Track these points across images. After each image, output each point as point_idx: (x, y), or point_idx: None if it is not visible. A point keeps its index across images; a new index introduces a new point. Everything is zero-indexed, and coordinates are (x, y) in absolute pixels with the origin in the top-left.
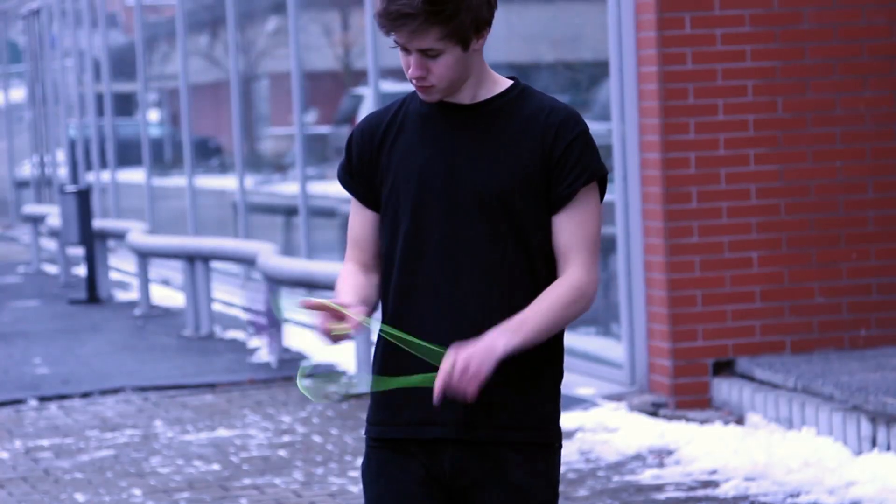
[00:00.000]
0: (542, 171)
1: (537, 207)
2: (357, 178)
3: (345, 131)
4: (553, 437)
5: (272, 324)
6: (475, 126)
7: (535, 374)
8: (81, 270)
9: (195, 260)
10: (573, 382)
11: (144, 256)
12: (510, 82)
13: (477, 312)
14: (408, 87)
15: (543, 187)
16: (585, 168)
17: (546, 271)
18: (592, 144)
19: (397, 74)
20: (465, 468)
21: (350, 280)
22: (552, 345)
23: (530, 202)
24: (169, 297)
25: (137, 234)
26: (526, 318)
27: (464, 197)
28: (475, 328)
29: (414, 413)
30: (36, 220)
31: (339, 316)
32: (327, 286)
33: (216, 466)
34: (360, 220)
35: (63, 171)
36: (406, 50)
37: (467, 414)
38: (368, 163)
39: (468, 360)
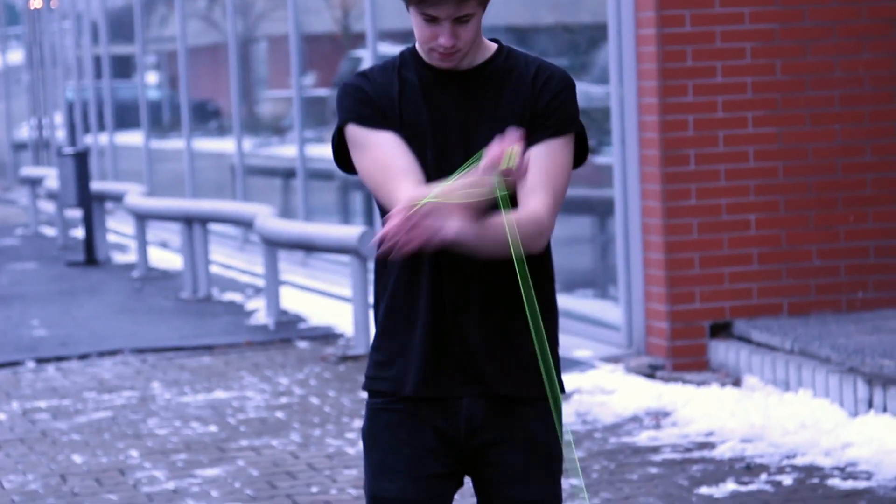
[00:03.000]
0: (527, 123)
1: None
2: (375, 112)
3: None
4: (562, 389)
5: None
6: (473, 91)
7: (551, 326)
8: (79, 233)
9: (193, 222)
10: (571, 344)
11: (142, 219)
12: (495, 45)
13: (484, 271)
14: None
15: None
16: (560, 120)
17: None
18: (573, 101)
19: (396, 37)
20: (481, 427)
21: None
22: (550, 299)
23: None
24: (167, 259)
25: (135, 196)
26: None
27: (470, 156)
28: (483, 286)
29: (438, 372)
30: (34, 183)
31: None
32: (325, 248)
33: (213, 428)
34: (391, 147)
35: (61, 134)
36: (432, 20)
37: (495, 371)
38: (387, 108)
39: (428, 215)
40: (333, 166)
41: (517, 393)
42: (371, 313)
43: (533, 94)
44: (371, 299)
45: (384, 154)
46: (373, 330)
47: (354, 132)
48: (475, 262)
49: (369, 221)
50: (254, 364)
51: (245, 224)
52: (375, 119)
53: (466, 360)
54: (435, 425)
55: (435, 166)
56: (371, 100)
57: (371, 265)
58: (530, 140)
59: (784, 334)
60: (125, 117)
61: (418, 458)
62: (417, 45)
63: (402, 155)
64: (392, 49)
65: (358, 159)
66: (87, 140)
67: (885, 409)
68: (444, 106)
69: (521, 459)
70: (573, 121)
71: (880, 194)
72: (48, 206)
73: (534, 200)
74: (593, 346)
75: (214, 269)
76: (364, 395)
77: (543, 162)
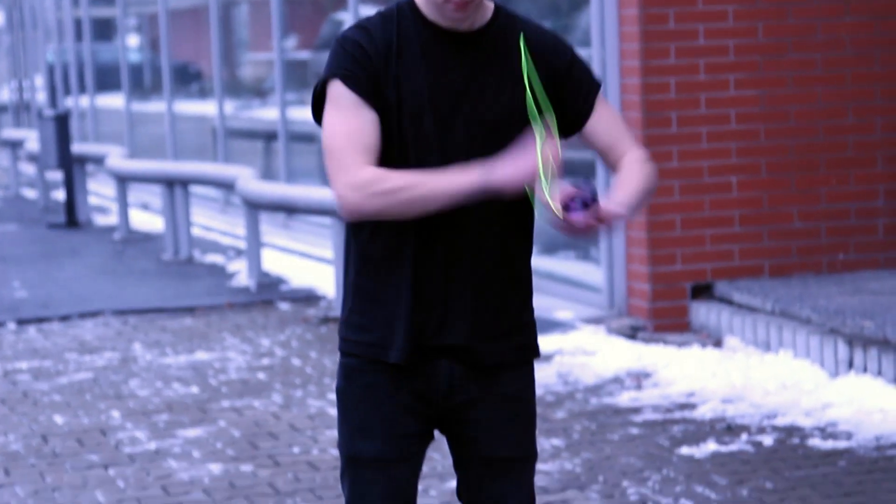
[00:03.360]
0: (551, 91)
1: None
2: (366, 84)
3: (324, 57)
4: (538, 353)
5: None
6: (476, 53)
7: (526, 291)
8: (60, 195)
9: (174, 184)
10: (552, 306)
11: (123, 181)
12: (492, 6)
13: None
14: None
15: (558, 104)
16: (591, 80)
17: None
18: (584, 59)
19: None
20: (461, 387)
21: (412, 173)
22: (525, 258)
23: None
24: (148, 221)
25: (116, 158)
26: (628, 190)
27: (470, 124)
28: (471, 254)
29: (417, 337)
30: (14, 145)
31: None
32: (306, 210)
33: (195, 389)
34: (371, 124)
35: (42, 96)
36: None
37: (470, 338)
38: (376, 74)
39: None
40: (315, 128)
41: (500, 360)
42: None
43: (546, 58)
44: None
45: (358, 124)
46: None
47: (338, 90)
48: (463, 230)
49: None
50: (235, 325)
51: (226, 186)
52: (365, 86)
53: (452, 331)
54: (413, 386)
55: (435, 133)
56: (367, 60)
57: None
58: (573, 108)
59: (765, 295)
60: (106, 79)
61: (395, 418)
62: (420, 1)
63: (373, 134)
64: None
65: (329, 115)
66: (68, 102)
67: (865, 370)
68: (446, 69)
69: (499, 416)
70: (597, 77)
71: (861, 156)
72: (29, 169)
73: (629, 150)
74: (575, 308)
75: (196, 231)
76: None
77: (606, 118)
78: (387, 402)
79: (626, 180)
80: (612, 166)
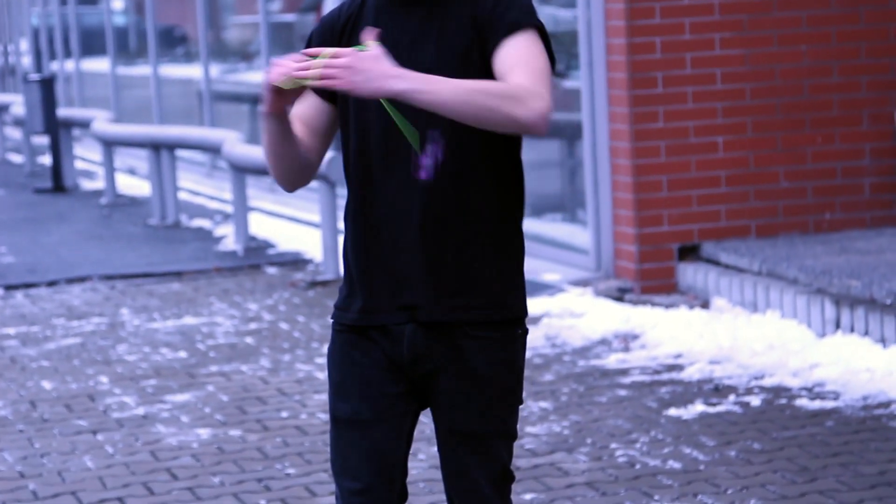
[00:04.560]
0: (476, 39)
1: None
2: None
3: (310, 19)
4: (513, 321)
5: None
6: (419, 12)
7: (494, 253)
8: (46, 159)
9: (160, 148)
10: (539, 268)
11: (110, 145)
12: None
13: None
14: None
15: (481, 58)
16: (514, 20)
17: (505, 157)
18: (525, 4)
19: None
20: (424, 355)
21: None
22: (509, 221)
23: (472, 76)
24: (135, 185)
25: (102, 122)
26: (446, 80)
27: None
28: (429, 208)
29: (373, 299)
30: (0, 110)
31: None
32: None
33: (183, 354)
34: (311, 104)
35: (27, 60)
36: None
37: (426, 298)
38: (336, 44)
39: (365, 65)
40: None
41: (458, 319)
42: (339, 239)
43: (475, 7)
44: (340, 225)
45: (300, 104)
46: (342, 257)
47: None
48: (410, 184)
49: (337, 147)
50: (223, 290)
51: (213, 150)
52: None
53: (403, 289)
54: (383, 347)
55: None
56: (321, 43)
57: (341, 191)
58: (489, 45)
59: (752, 256)
60: (91, 43)
61: (370, 377)
62: None
63: (307, 105)
64: None
65: None
66: (53, 66)
67: (852, 330)
68: (392, 30)
69: (462, 390)
70: (528, 16)
71: (847, 115)
72: (15, 133)
73: (515, 77)
74: (562, 270)
75: (182, 195)
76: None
77: (511, 52)
78: (362, 364)
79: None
80: None
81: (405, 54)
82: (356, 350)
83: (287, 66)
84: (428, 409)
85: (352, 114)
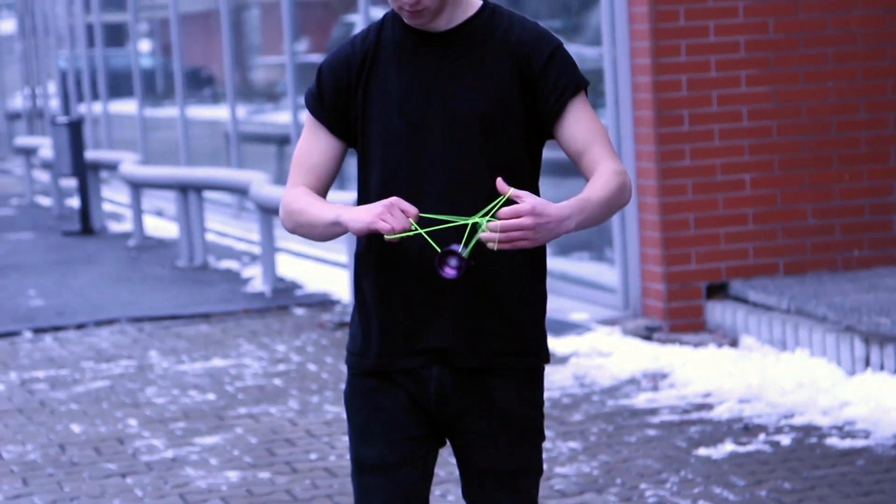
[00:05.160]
0: (520, 92)
1: (517, 130)
2: (330, 108)
3: None
4: (540, 361)
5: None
6: (450, 52)
7: (522, 297)
8: (75, 202)
9: (188, 190)
10: (567, 307)
11: (137, 187)
12: (479, 3)
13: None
14: None
15: (522, 108)
16: (569, 81)
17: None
18: (570, 58)
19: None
20: (451, 396)
21: (314, 197)
22: (537, 264)
23: (509, 124)
24: (162, 227)
25: (130, 164)
26: (588, 199)
27: (441, 124)
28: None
29: (398, 343)
30: (28, 153)
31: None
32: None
33: (211, 396)
34: (322, 147)
35: (55, 103)
36: None
37: (455, 342)
38: (345, 93)
39: (544, 218)
40: None
41: (489, 364)
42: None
43: (519, 59)
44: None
45: (307, 147)
46: None
47: (308, 110)
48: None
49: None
50: (251, 331)
51: (240, 191)
52: (323, 109)
53: (436, 334)
54: (408, 389)
55: (407, 132)
56: (323, 90)
57: None
58: (544, 109)
59: (780, 294)
60: (119, 86)
61: (394, 422)
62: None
63: (320, 156)
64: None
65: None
66: (81, 109)
67: (882, 367)
68: (419, 69)
69: (492, 429)
70: (579, 73)
71: (874, 151)
72: (43, 176)
73: (600, 161)
74: (590, 309)
75: (210, 236)
76: None
77: (579, 123)
78: (385, 407)
79: (585, 193)
80: (585, 176)
81: (435, 96)
82: (378, 393)
83: (402, 223)
84: (449, 447)
85: (375, 153)
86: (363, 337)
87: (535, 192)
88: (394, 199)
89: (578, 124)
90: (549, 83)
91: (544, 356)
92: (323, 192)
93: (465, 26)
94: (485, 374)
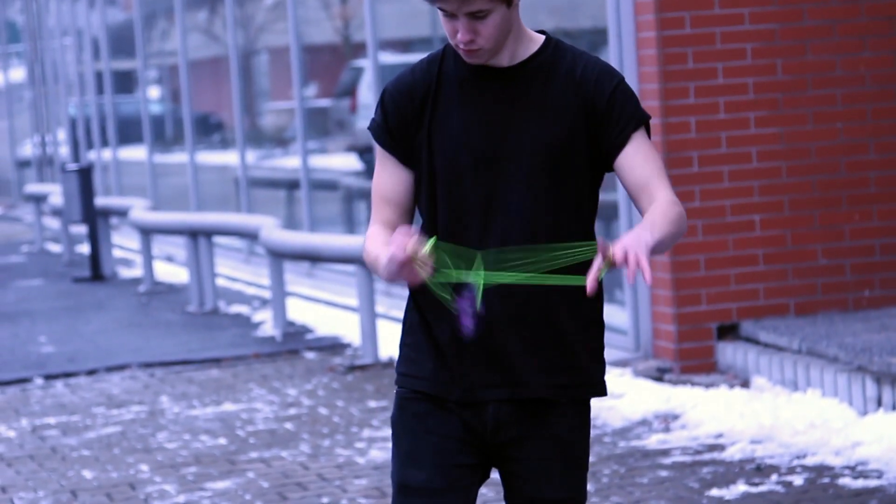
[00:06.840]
0: (585, 127)
1: (582, 165)
2: (396, 136)
3: (345, 104)
4: (599, 394)
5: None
6: (515, 88)
7: (584, 330)
8: (85, 248)
9: (198, 235)
10: None
11: (147, 233)
12: (542, 38)
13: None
14: (409, 59)
15: (587, 144)
16: (632, 115)
17: (592, 230)
18: (631, 92)
19: (396, 46)
20: (508, 424)
21: (381, 235)
22: (595, 298)
23: (574, 160)
24: (173, 273)
25: (140, 210)
26: (654, 223)
27: (507, 160)
28: (521, 287)
29: (465, 373)
30: (38, 200)
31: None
32: (330, 259)
33: (223, 441)
34: (396, 178)
35: (64, 150)
36: (452, 15)
37: (520, 375)
38: (411, 121)
39: (626, 248)
40: (337, 177)
41: (549, 395)
42: (378, 323)
43: (584, 95)
44: (378, 309)
45: (380, 179)
46: (381, 339)
47: (375, 141)
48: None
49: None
50: (262, 376)
51: (250, 236)
52: (391, 139)
53: (501, 365)
54: (462, 416)
55: (472, 167)
56: (388, 118)
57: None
58: (607, 143)
59: (791, 334)
60: (128, 132)
61: (445, 447)
62: None
63: (394, 186)
64: (393, 58)
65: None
66: (91, 156)
67: (894, 408)
68: (482, 105)
69: (545, 456)
70: (641, 108)
71: (884, 192)
72: (53, 223)
73: (657, 193)
74: None
75: (220, 281)
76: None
77: (638, 156)
78: (437, 432)
79: (649, 216)
80: (642, 210)
81: (501, 133)
82: (431, 418)
83: (428, 268)
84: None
85: (440, 189)
86: (419, 359)
87: (594, 222)
88: (397, 255)
89: (638, 157)
90: (613, 117)
91: (601, 389)
92: (409, 221)
93: (528, 62)
94: (541, 402)
